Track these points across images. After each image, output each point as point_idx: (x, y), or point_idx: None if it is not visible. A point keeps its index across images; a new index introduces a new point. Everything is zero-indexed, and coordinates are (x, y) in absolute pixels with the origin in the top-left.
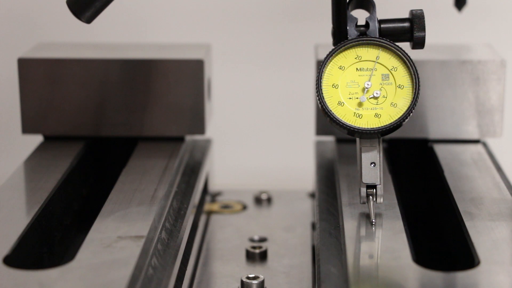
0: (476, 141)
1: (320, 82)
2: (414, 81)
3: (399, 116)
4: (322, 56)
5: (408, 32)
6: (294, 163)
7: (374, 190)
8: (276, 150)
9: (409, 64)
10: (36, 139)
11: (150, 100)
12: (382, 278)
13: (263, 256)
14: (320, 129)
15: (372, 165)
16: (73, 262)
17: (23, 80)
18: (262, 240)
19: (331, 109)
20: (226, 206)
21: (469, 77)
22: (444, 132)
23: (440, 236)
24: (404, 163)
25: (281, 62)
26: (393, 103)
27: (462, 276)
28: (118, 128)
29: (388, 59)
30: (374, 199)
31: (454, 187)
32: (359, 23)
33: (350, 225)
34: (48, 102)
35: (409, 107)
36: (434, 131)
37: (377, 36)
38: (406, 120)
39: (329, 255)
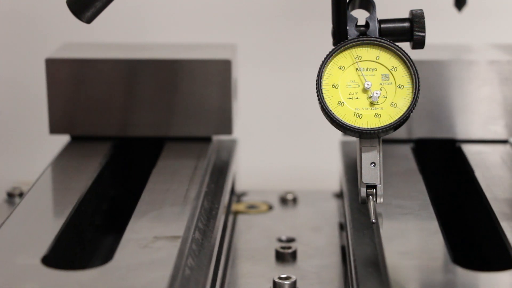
0: (504, 141)
1: (320, 82)
2: (414, 81)
3: (399, 116)
4: None
5: (408, 32)
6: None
7: (374, 190)
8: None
9: (409, 64)
10: (62, 139)
11: (177, 100)
12: (422, 279)
13: (292, 256)
14: None
15: (372, 165)
16: (112, 263)
17: (50, 81)
18: (290, 240)
19: (331, 109)
20: (252, 207)
21: (497, 77)
22: (472, 132)
23: (471, 236)
24: (432, 163)
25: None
26: (393, 103)
27: (503, 276)
28: (144, 128)
29: (388, 59)
30: (374, 199)
31: (486, 188)
32: (359, 23)
33: (385, 225)
34: (75, 103)
35: (409, 107)
36: (461, 132)
37: (377, 36)
38: (406, 120)
39: (365, 255)
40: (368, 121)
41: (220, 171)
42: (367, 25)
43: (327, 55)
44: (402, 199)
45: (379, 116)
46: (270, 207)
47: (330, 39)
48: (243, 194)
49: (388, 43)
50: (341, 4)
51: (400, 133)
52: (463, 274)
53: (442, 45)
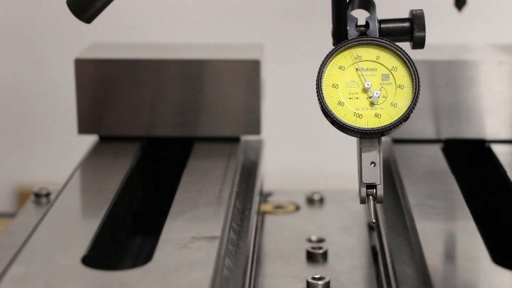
0: None
1: (320, 82)
2: (414, 81)
3: (399, 116)
4: None
5: (408, 32)
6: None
7: (374, 190)
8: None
9: (409, 64)
10: (86, 140)
11: (205, 100)
12: (464, 279)
13: (323, 256)
14: None
15: (372, 165)
16: (152, 263)
17: (79, 81)
18: (320, 240)
19: (331, 109)
20: (279, 207)
21: None
22: (501, 133)
23: (504, 236)
24: (462, 164)
25: None
26: (393, 103)
27: None
28: (172, 128)
29: (388, 59)
30: (374, 199)
31: None
32: (359, 23)
33: (422, 226)
34: (104, 103)
35: (409, 107)
36: (491, 132)
37: (377, 36)
38: (407, 120)
39: (402, 256)
40: (368, 121)
41: (249, 171)
42: (367, 25)
43: (327, 55)
44: (436, 200)
45: (379, 116)
46: (297, 208)
47: None
48: (269, 194)
49: (388, 43)
50: (341, 4)
51: (429, 133)
52: (504, 274)
53: (471, 44)
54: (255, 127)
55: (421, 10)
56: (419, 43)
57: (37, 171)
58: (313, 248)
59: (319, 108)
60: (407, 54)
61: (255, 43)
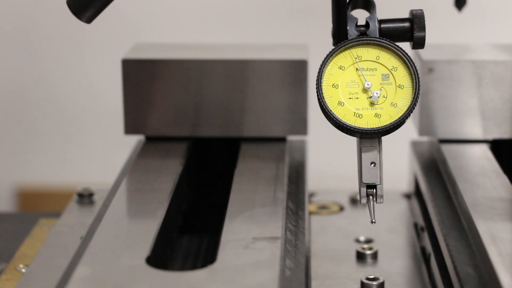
0: None
1: (320, 82)
2: (414, 81)
3: (399, 116)
4: (423, 55)
5: (408, 32)
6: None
7: (374, 190)
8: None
9: (409, 64)
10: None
11: (252, 101)
12: None
13: (373, 257)
14: (424, 130)
15: (372, 165)
16: (217, 264)
17: (126, 81)
18: (368, 241)
19: (331, 109)
20: (323, 207)
21: None
22: None
23: None
24: (508, 164)
25: None
26: (393, 103)
27: None
28: (218, 128)
29: (388, 59)
30: (374, 199)
31: None
32: (359, 23)
33: (482, 227)
34: (150, 103)
35: (409, 107)
36: None
37: (377, 36)
38: (407, 120)
39: (462, 256)
40: (368, 121)
41: (296, 172)
42: (367, 25)
43: (327, 55)
44: (493, 200)
45: (379, 116)
46: (341, 208)
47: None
48: (312, 194)
49: (388, 43)
50: (341, 4)
51: (476, 133)
52: None
53: None
54: (301, 128)
55: (421, 10)
56: (419, 43)
57: (37, 171)
58: (363, 248)
59: None
60: (407, 54)
61: (300, 43)
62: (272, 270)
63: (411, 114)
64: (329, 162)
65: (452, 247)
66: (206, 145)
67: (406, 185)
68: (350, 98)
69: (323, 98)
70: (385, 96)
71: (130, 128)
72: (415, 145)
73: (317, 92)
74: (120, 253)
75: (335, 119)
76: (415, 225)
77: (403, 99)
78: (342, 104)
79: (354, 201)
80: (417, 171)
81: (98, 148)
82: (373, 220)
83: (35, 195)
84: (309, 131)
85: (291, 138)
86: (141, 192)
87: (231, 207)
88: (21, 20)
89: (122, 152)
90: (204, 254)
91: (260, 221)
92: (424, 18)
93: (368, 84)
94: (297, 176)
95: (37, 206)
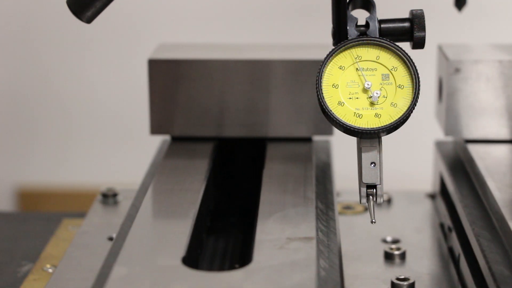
0: None
1: (320, 82)
2: (414, 81)
3: (399, 116)
4: (449, 55)
5: (408, 32)
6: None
7: (374, 190)
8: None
9: (409, 64)
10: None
11: (277, 101)
12: None
13: (401, 257)
14: (450, 130)
15: (372, 165)
16: (253, 264)
17: (152, 81)
18: (395, 241)
19: (331, 109)
20: (348, 207)
21: None
22: None
23: None
24: None
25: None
26: (393, 103)
27: None
28: (243, 128)
29: (388, 59)
30: (374, 199)
31: None
32: (359, 23)
33: None
34: (176, 103)
35: (409, 107)
36: None
37: (377, 36)
38: (407, 120)
39: (496, 256)
40: (368, 121)
41: (323, 172)
42: (367, 25)
43: (327, 55)
44: None
45: (379, 116)
46: (366, 208)
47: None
48: (337, 194)
49: (388, 43)
50: (341, 4)
51: (503, 133)
52: None
53: None
54: (328, 128)
55: (421, 10)
56: (419, 43)
57: (37, 171)
58: (391, 248)
59: None
60: (407, 54)
61: (322, 43)
62: (308, 270)
63: (411, 114)
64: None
65: (485, 247)
66: (229, 145)
67: (429, 186)
68: (350, 98)
69: (323, 98)
70: (385, 96)
71: (155, 128)
72: (439, 145)
73: (317, 92)
74: (155, 253)
75: (335, 119)
76: (441, 225)
77: (403, 99)
78: (342, 104)
79: None
80: (443, 172)
81: (98, 148)
82: (373, 220)
83: (35, 195)
84: (334, 131)
85: (316, 138)
86: (172, 192)
87: (263, 208)
88: (21, 20)
89: (122, 152)
90: (230, 254)
91: (292, 221)
92: (424, 18)
93: (368, 84)
94: (324, 176)
95: (37, 206)
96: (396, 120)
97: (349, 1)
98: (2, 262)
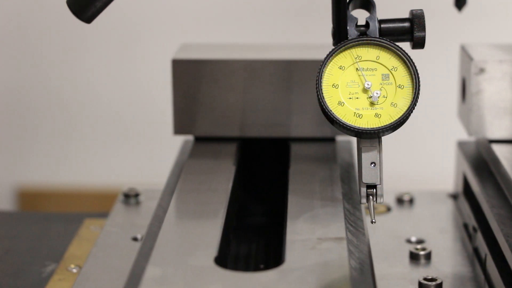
0: None
1: (320, 82)
2: (414, 81)
3: (399, 116)
4: (473, 55)
5: (408, 32)
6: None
7: (374, 190)
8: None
9: (409, 64)
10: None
11: (300, 101)
12: None
13: (426, 257)
14: (474, 130)
15: (372, 165)
16: (286, 264)
17: (176, 81)
18: (420, 241)
19: (331, 109)
20: None
21: None
22: None
23: None
24: None
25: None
26: (393, 103)
27: None
28: (266, 128)
29: (388, 59)
30: (374, 199)
31: None
32: (359, 23)
33: None
34: (199, 103)
35: (409, 107)
36: None
37: (377, 36)
38: (407, 120)
39: None
40: (368, 121)
41: (347, 172)
42: (367, 25)
43: (327, 55)
44: None
45: (379, 116)
46: (388, 208)
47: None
48: None
49: (388, 43)
50: (341, 4)
51: None
52: None
53: None
54: None
55: (421, 10)
56: (419, 43)
57: (37, 171)
58: (416, 249)
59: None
60: (407, 54)
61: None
62: (342, 270)
63: (411, 114)
64: None
65: None
66: (252, 145)
67: (449, 186)
68: (350, 98)
69: (323, 98)
70: (385, 96)
71: (179, 128)
72: (462, 145)
73: (317, 92)
74: (187, 253)
75: (335, 119)
76: (465, 226)
77: (403, 99)
78: (342, 104)
79: (400, 202)
80: (467, 172)
81: (98, 148)
82: (373, 220)
83: (35, 195)
84: None
85: (339, 138)
86: (199, 192)
87: (291, 208)
88: (21, 20)
89: (122, 152)
90: (255, 254)
91: (322, 222)
92: (424, 18)
93: (368, 84)
94: (348, 176)
95: (37, 206)
96: (396, 120)
97: (349, 1)
98: (26, 262)
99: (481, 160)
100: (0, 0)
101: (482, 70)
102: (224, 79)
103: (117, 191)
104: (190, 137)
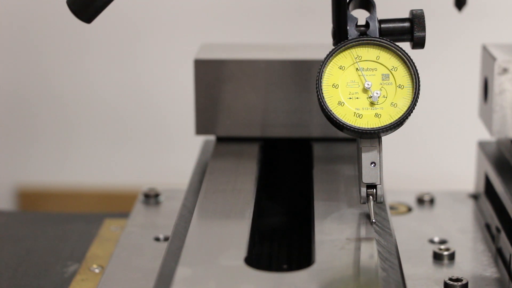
0: None
1: (320, 82)
2: (414, 81)
3: (399, 116)
4: (496, 55)
5: (408, 32)
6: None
7: (374, 190)
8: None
9: (409, 64)
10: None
11: None
12: None
13: (450, 258)
14: (497, 130)
15: (372, 165)
16: (316, 265)
17: (198, 81)
18: (442, 241)
19: (331, 109)
20: (391, 208)
21: None
22: None
23: None
24: None
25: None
26: (393, 103)
27: None
28: (288, 129)
29: (388, 59)
30: (374, 199)
31: None
32: (359, 23)
33: None
34: (220, 103)
35: (409, 107)
36: None
37: (377, 36)
38: (407, 120)
39: None
40: (368, 121)
41: None
42: (367, 25)
43: (327, 55)
44: None
45: (379, 116)
46: (409, 209)
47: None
48: None
49: (388, 43)
50: (341, 4)
51: None
52: None
53: None
54: None
55: (421, 10)
56: (419, 43)
57: (38, 171)
58: (440, 249)
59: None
60: (407, 54)
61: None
62: (372, 270)
63: (411, 114)
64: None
65: None
66: (273, 145)
67: (468, 185)
68: (350, 98)
69: (323, 98)
70: (385, 96)
71: (201, 128)
72: (483, 145)
73: (317, 92)
74: (217, 253)
75: (335, 119)
76: (487, 226)
77: (403, 99)
78: (342, 104)
79: (421, 202)
80: (489, 172)
81: (98, 148)
82: (373, 220)
83: (35, 195)
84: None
85: None
86: (224, 192)
87: (318, 208)
88: (21, 20)
89: (122, 152)
90: (277, 254)
91: (349, 222)
92: (424, 18)
93: (368, 84)
94: None
95: (37, 206)
96: (396, 120)
97: (349, 1)
98: (48, 262)
99: (504, 160)
100: (1, 1)
101: (505, 70)
102: (246, 79)
103: (117, 191)
104: (210, 137)
